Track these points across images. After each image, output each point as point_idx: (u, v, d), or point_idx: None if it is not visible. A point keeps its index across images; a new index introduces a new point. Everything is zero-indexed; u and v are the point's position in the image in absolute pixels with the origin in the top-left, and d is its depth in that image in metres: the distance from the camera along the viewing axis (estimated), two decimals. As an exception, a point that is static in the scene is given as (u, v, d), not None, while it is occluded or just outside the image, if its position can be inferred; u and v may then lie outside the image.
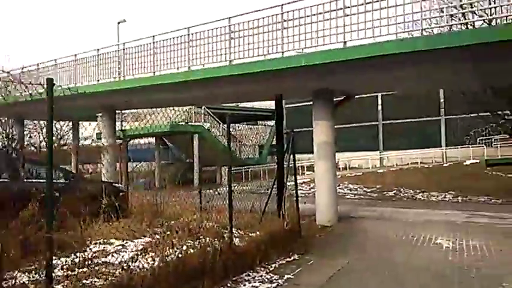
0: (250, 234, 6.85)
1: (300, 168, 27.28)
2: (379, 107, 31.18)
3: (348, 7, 9.08)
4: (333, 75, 10.12)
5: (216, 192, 8.43)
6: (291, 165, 8.82)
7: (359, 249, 8.05)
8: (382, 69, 9.47)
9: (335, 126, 11.69)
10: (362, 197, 17.75)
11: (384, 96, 30.20)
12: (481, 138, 26.04)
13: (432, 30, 9.06)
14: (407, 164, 27.60)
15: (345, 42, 9.14)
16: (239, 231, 6.92)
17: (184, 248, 5.44)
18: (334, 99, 11.82)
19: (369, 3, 8.84)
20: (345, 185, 20.30)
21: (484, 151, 25.32)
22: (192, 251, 5.20)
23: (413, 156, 27.89)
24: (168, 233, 6.03)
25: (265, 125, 36.18)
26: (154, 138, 28.10)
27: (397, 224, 10.51)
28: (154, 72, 12.55)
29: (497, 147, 24.94)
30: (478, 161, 24.41)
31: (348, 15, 9.09)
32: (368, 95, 28.12)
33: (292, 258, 6.99)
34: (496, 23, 9.21)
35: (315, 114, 11.47)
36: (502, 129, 19.74)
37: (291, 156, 8.85)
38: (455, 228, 9.77)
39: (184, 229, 6.02)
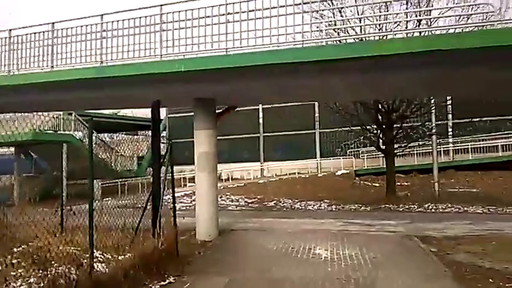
0: (118, 258, 5.99)
1: (182, 180, 26.50)
2: (260, 120, 31.98)
3: (230, 13, 8.82)
4: (214, 83, 9.73)
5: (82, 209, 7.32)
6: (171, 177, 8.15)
7: (239, 265, 7.68)
8: (259, 79, 9.35)
9: (217, 137, 11.31)
10: (244, 208, 17.68)
11: (265, 109, 31.10)
12: (351, 150, 28.23)
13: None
14: (286, 174, 28.64)
15: (227, 50, 8.85)
16: (105, 254, 6.00)
17: (32, 280, 4.42)
18: (217, 109, 11.46)
19: (251, 11, 8.70)
20: (227, 196, 20.09)
21: (353, 162, 27.53)
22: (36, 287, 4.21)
23: (292, 167, 29.08)
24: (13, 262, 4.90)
25: (145, 135, 34.59)
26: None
27: (277, 235, 10.46)
28: (9, 71, 10.82)
29: (364, 158, 27.32)
30: (348, 171, 26.42)
31: (230, 22, 8.83)
32: (250, 107, 28.80)
33: (167, 281, 6.29)
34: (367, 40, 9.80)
35: (196, 123, 10.96)
36: (369, 143, 21.56)
37: (170, 167, 8.19)
38: (332, 237, 10.04)
39: (33, 256, 4.95)
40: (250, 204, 18.59)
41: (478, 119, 23.73)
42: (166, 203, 8.44)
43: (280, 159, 30.13)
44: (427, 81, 9.53)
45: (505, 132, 25.18)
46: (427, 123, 19.45)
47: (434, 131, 18.69)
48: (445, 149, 26.12)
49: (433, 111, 18.47)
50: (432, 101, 18.25)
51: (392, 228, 11.21)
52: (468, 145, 25.62)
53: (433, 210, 15.28)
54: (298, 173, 28.11)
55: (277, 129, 30.98)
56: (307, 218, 13.82)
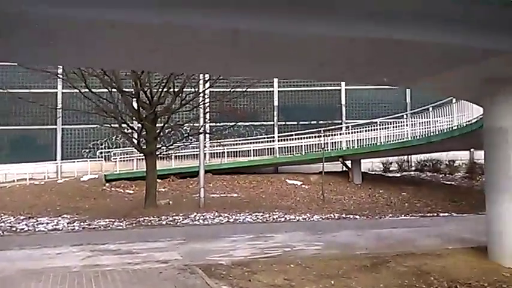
0: None
1: None
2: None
3: None
4: None
5: None
6: None
7: None
8: None
9: None
10: None
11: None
12: (101, 151, 23.93)
13: None
14: (14, 181, 21.94)
15: None
16: None
17: None
18: None
19: None
20: None
21: (102, 165, 23.29)
22: None
23: (22, 171, 22.49)
24: None
25: None
26: None
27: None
28: None
29: (116, 161, 23.46)
30: (97, 176, 21.99)
31: None
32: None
33: None
34: None
35: None
36: (127, 140, 17.86)
37: None
38: (72, 284, 6.19)
39: None
40: None
41: (233, 123, 23.55)
42: None
43: (3, 162, 22.98)
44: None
45: (257, 137, 26.01)
46: (192, 121, 17.50)
47: (202, 129, 16.63)
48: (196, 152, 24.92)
49: (202, 107, 16.44)
50: (203, 97, 16.26)
51: (163, 254, 8.11)
52: (224, 149, 25.31)
53: (201, 222, 13.06)
54: (30, 179, 21.85)
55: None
56: (34, 247, 9.25)
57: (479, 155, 24.41)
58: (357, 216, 13.83)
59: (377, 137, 20.73)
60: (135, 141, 15.80)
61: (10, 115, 23.60)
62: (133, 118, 15.67)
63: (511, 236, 7.02)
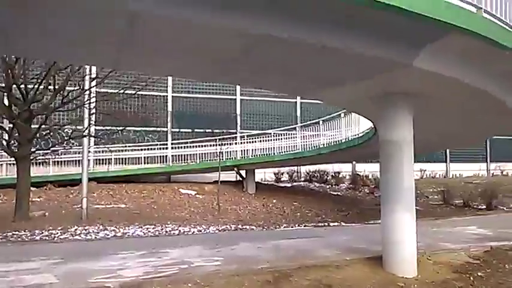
0: None
1: None
2: None
3: None
4: None
5: None
6: None
7: None
8: None
9: None
10: None
11: None
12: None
13: None
14: None
15: None
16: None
17: None
18: None
19: None
20: None
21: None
22: None
23: None
24: None
25: None
26: None
27: None
28: None
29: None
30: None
31: None
32: None
33: None
34: None
35: None
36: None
37: None
38: None
39: None
40: None
41: (122, 128, 21.93)
42: None
43: None
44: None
45: (149, 143, 24.62)
46: (74, 123, 15.73)
47: (87, 132, 14.94)
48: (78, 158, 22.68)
49: (88, 106, 14.82)
50: (89, 95, 14.67)
51: (35, 277, 6.80)
52: (111, 155, 23.43)
53: (83, 236, 11.59)
54: None
55: None
56: None
57: (360, 168, 26.40)
58: (253, 227, 13.61)
59: (271, 148, 21.06)
60: (5, 143, 13.63)
61: None
62: (3, 116, 13.52)
63: (404, 246, 7.27)
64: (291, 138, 21.31)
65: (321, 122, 19.19)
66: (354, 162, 27.04)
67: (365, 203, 19.99)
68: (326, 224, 14.58)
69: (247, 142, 22.02)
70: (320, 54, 5.61)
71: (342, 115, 17.61)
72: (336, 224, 14.69)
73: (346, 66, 6.24)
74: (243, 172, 20.88)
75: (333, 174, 24.57)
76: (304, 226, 14.05)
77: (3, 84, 12.85)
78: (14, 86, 12.71)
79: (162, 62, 6.41)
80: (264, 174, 24.47)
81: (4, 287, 6.33)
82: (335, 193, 22.15)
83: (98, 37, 5.20)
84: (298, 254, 8.49)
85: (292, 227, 13.77)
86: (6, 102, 13.18)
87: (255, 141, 21.68)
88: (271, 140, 21.36)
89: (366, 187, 23.23)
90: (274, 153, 20.57)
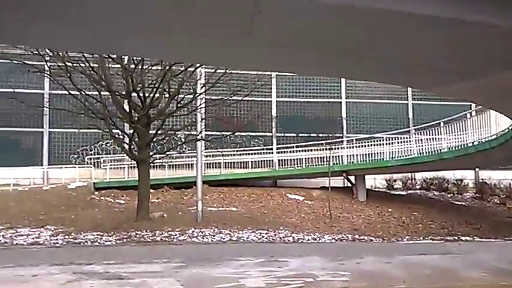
0: None
1: None
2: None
3: None
4: None
5: None
6: None
7: None
8: None
9: None
10: None
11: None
12: (90, 157, 22.49)
13: None
14: (-5, 186, 20.36)
15: None
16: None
17: None
18: None
19: None
20: None
21: (92, 173, 21.81)
22: None
23: (6, 176, 20.91)
24: None
25: None
26: None
27: None
28: None
29: (106, 168, 22.03)
30: (85, 183, 20.52)
31: None
32: None
33: None
34: None
35: None
36: (118, 146, 16.43)
37: None
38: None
39: None
40: None
41: (230, 133, 22.32)
42: None
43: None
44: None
45: (255, 148, 24.77)
46: (187, 128, 16.24)
47: (200, 136, 15.22)
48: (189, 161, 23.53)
49: (200, 111, 15.13)
50: (201, 100, 15.00)
51: (159, 281, 6.78)
52: (221, 159, 24.03)
53: (200, 239, 11.73)
54: (15, 184, 20.26)
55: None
56: (7, 266, 7.87)
57: (484, 175, 23.52)
58: (372, 238, 12.61)
59: (382, 152, 19.70)
60: (127, 147, 14.45)
61: None
62: (125, 121, 14.35)
63: None
64: (404, 142, 19.72)
65: (442, 124, 17.36)
66: (477, 169, 24.26)
67: (497, 215, 17.63)
68: (456, 238, 12.95)
69: (356, 146, 20.89)
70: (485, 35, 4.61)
71: (468, 115, 15.76)
72: (468, 238, 12.98)
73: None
74: (351, 178, 19.82)
75: (454, 182, 22.15)
76: (432, 240, 12.63)
77: (124, 92, 13.58)
78: (133, 92, 13.34)
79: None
80: (374, 181, 23.02)
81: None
82: (458, 203, 19.92)
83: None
84: (437, 273, 7.41)
85: (416, 240, 12.47)
86: (126, 108, 13.96)
87: (364, 146, 20.46)
88: (381, 144, 20.00)
89: (495, 197, 20.54)
90: (386, 159, 19.19)
